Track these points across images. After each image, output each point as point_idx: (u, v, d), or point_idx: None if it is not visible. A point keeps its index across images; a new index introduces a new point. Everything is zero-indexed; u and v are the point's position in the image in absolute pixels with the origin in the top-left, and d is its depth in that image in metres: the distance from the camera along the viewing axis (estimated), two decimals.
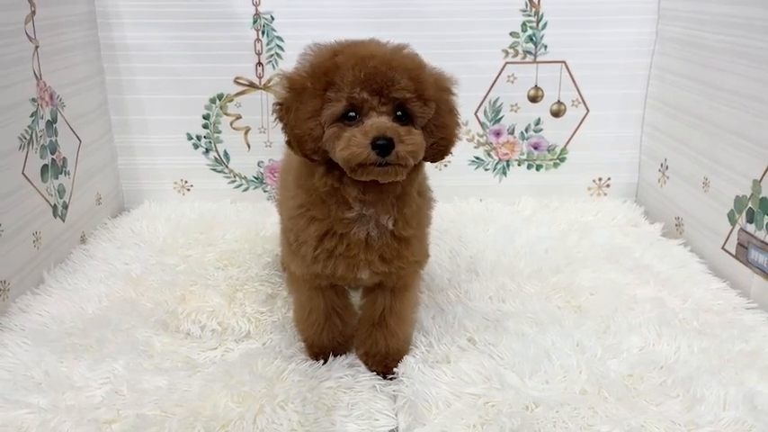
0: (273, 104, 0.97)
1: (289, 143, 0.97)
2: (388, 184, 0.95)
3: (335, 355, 1.11)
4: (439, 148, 0.98)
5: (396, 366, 1.09)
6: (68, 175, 1.51)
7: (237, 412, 0.96)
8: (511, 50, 1.74)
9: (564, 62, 1.75)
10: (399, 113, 0.92)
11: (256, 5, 1.68)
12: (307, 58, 0.96)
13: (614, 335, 1.16)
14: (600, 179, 1.85)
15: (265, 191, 1.85)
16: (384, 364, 1.10)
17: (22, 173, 1.30)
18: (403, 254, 1.02)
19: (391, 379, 1.07)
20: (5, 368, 1.06)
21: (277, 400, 0.98)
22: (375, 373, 1.09)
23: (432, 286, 1.35)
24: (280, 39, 1.71)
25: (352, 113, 0.91)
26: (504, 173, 1.85)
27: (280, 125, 0.97)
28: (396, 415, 0.99)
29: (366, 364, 1.11)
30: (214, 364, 1.10)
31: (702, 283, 1.37)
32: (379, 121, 0.90)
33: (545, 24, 1.71)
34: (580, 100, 1.78)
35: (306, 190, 1.01)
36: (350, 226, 0.99)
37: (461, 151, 1.82)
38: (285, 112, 0.95)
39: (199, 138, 1.80)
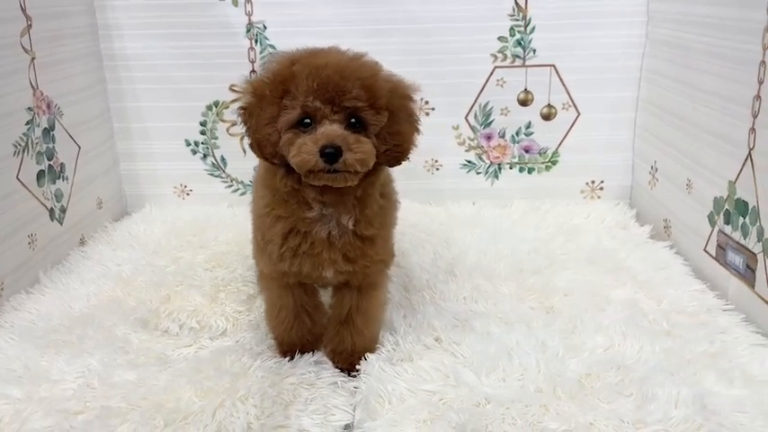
0: (237, 109, 1.02)
1: (251, 146, 1.01)
2: (346, 186, 0.98)
3: (303, 353, 1.14)
4: (394, 155, 1.00)
5: (358, 364, 1.11)
6: (66, 180, 1.57)
7: (199, 405, 1.00)
8: (500, 55, 1.75)
9: (553, 65, 1.76)
10: (353, 121, 0.95)
11: (249, 15, 1.73)
12: (269, 65, 1.01)
13: (580, 335, 1.17)
14: (593, 182, 1.85)
15: None
16: (349, 362, 1.12)
17: (17, 177, 1.37)
18: (367, 253, 1.05)
19: (353, 376, 1.10)
20: None
21: (238, 395, 1.01)
22: (340, 370, 1.12)
23: (409, 287, 1.37)
24: (272, 47, 1.75)
25: (306, 120, 0.95)
26: (497, 176, 1.87)
27: (244, 129, 1.01)
28: (354, 411, 1.02)
29: (333, 361, 1.14)
30: (186, 360, 1.14)
31: (681, 284, 1.36)
32: (330, 129, 0.94)
33: (533, 28, 1.73)
34: (570, 103, 1.78)
35: (271, 190, 1.05)
36: (312, 225, 1.03)
37: (453, 155, 1.85)
38: (248, 116, 1.00)
39: (197, 144, 1.86)
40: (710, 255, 1.38)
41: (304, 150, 0.93)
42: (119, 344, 1.18)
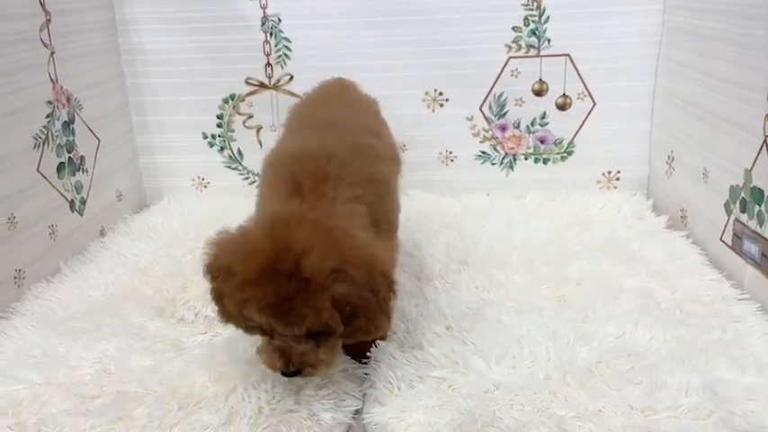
0: (204, 266, 0.96)
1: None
2: None
3: None
4: (366, 336, 0.97)
5: (369, 350, 1.12)
6: (86, 172, 1.61)
7: (212, 390, 1.02)
8: (514, 45, 1.75)
9: (568, 55, 1.75)
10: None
11: (264, 8, 1.75)
12: (225, 246, 0.95)
13: (591, 323, 1.16)
14: (609, 172, 1.84)
15: None
16: (359, 349, 1.13)
17: (38, 170, 1.40)
18: None
19: (364, 363, 1.11)
20: (12, 348, 1.15)
21: (250, 380, 1.03)
22: (351, 356, 1.13)
23: (421, 277, 1.38)
24: (287, 39, 1.77)
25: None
26: (512, 167, 1.86)
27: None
28: (361, 395, 1.03)
29: (343, 347, 1.15)
30: (200, 347, 1.16)
31: (697, 274, 1.35)
32: (287, 348, 0.91)
33: (547, 18, 1.72)
34: (586, 93, 1.77)
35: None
36: None
37: (467, 146, 1.85)
38: (212, 281, 0.96)
39: (214, 137, 1.88)
40: (726, 244, 1.37)
41: (266, 361, 0.94)
42: (135, 331, 1.20)
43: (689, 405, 0.93)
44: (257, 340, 1.14)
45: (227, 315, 0.96)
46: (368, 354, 1.12)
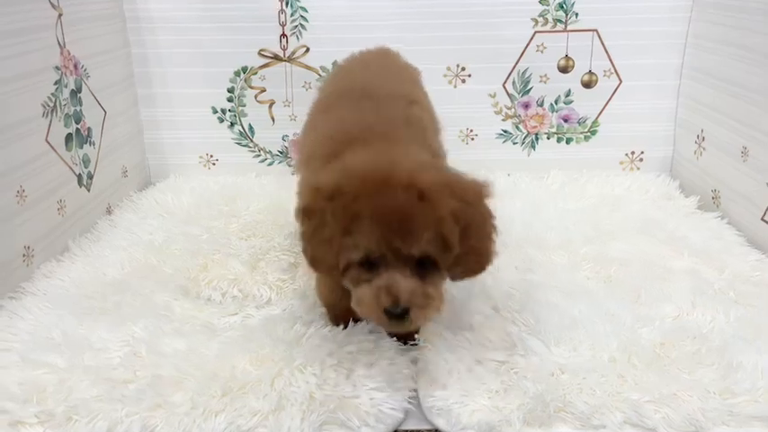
0: (297, 210, 0.91)
1: (304, 252, 0.92)
2: None
3: (356, 321, 1.09)
4: (471, 272, 0.92)
5: (417, 332, 1.06)
6: (93, 145, 1.51)
7: (255, 374, 0.94)
8: (540, 19, 1.69)
9: (596, 30, 1.69)
10: (422, 260, 0.85)
11: None
12: (333, 175, 0.88)
13: (646, 304, 1.12)
14: (633, 153, 1.80)
15: (289, 165, 1.84)
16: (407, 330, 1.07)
17: (46, 140, 1.30)
18: None
19: (413, 344, 1.04)
20: (26, 330, 1.06)
21: (295, 363, 0.96)
22: (396, 338, 1.06)
23: None
24: (303, 9, 1.68)
25: (370, 261, 0.86)
26: (533, 146, 1.81)
27: (300, 229, 0.91)
28: (415, 379, 0.97)
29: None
30: (233, 329, 1.08)
31: (740, 254, 1.31)
32: (394, 282, 0.83)
33: None
34: (612, 70, 1.72)
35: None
36: None
37: (489, 124, 1.79)
38: (307, 221, 0.89)
39: (224, 111, 1.79)
40: None
41: (365, 305, 0.86)
42: (161, 312, 1.12)
43: (766, 387, 0.88)
44: (296, 321, 1.08)
45: (322, 253, 0.87)
46: (415, 336, 1.05)
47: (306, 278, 1.25)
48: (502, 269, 1.26)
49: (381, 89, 1.15)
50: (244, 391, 0.91)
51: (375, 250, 0.84)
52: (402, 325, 0.85)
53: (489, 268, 1.23)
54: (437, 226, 0.83)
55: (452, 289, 1.17)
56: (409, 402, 0.93)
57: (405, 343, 1.05)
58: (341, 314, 1.09)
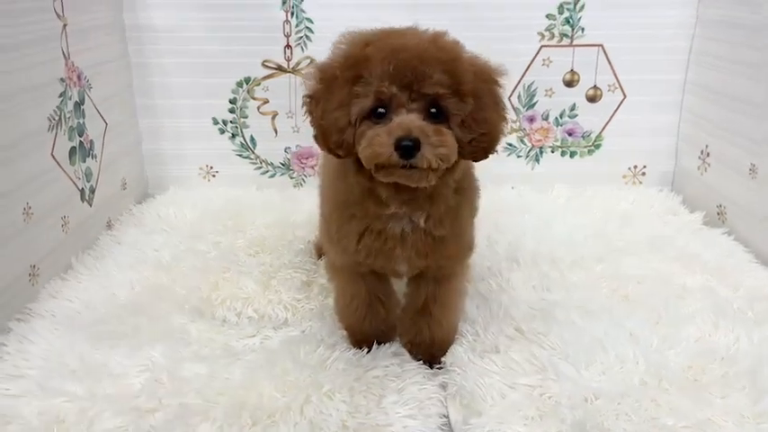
0: (303, 96, 0.92)
1: (315, 137, 0.91)
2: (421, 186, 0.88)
3: (379, 344, 1.07)
4: (480, 146, 0.88)
5: (442, 355, 1.05)
6: (95, 158, 1.47)
7: (283, 402, 0.92)
8: (547, 33, 1.68)
9: (601, 45, 1.69)
10: (433, 110, 0.85)
11: None
12: (339, 47, 0.90)
13: (668, 325, 1.11)
14: (635, 167, 1.80)
15: (292, 177, 1.81)
16: (429, 353, 1.06)
17: (51, 154, 1.26)
18: (437, 249, 0.97)
19: (438, 368, 1.03)
20: (39, 356, 1.02)
21: (323, 390, 0.94)
22: (420, 362, 1.04)
23: (473, 275, 1.30)
24: (309, 20, 1.66)
25: (381, 110, 0.85)
26: (537, 160, 1.81)
27: (308, 118, 0.91)
28: (446, 404, 0.95)
29: (410, 353, 1.06)
30: (254, 351, 1.06)
31: (752, 272, 1.32)
32: (407, 119, 0.83)
33: (582, 6, 1.66)
34: (617, 85, 1.73)
35: (346, 186, 0.96)
36: (386, 222, 0.95)
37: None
38: (314, 104, 0.90)
39: (225, 122, 1.75)
40: None
41: (376, 142, 0.83)
42: (178, 334, 1.09)
43: None
44: (318, 344, 1.06)
45: (333, 119, 0.87)
46: (441, 359, 1.04)
47: (321, 297, 1.23)
48: (518, 288, 1.25)
49: None
50: (273, 420, 0.89)
51: (386, 90, 0.84)
52: (414, 165, 0.83)
53: (504, 285, 1.25)
54: (451, 67, 0.84)
55: (472, 310, 1.16)
56: (441, 429, 0.91)
57: (431, 366, 1.04)
58: (362, 337, 1.08)
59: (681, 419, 0.88)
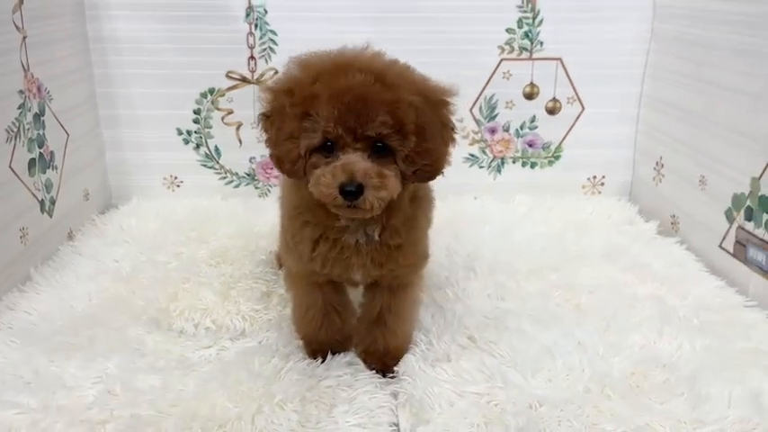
0: (258, 115, 0.95)
1: (270, 157, 0.95)
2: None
3: (334, 353, 1.09)
4: (424, 175, 0.92)
5: (395, 364, 1.07)
6: (56, 169, 1.47)
7: (235, 412, 0.93)
8: (507, 47, 1.72)
9: (560, 59, 1.74)
10: (379, 144, 0.88)
11: None
12: (290, 71, 0.93)
13: (615, 333, 1.15)
14: (594, 177, 1.85)
15: (257, 187, 1.82)
16: (383, 362, 1.07)
17: (9, 166, 1.26)
18: (393, 258, 1.00)
19: (391, 377, 1.05)
20: None
21: (275, 400, 0.96)
22: (374, 371, 1.06)
23: (429, 284, 1.32)
24: (273, 32, 1.68)
25: (329, 143, 0.89)
26: (499, 170, 1.84)
27: (264, 136, 0.95)
28: (396, 412, 0.97)
29: (365, 362, 1.08)
30: (209, 362, 1.07)
31: (700, 281, 1.36)
32: (351, 161, 0.86)
33: (541, 21, 1.70)
34: (576, 97, 1.77)
35: (300, 195, 0.98)
36: (340, 233, 0.98)
37: (456, 149, 1.80)
38: (269, 125, 0.93)
39: (189, 133, 1.77)
40: (727, 251, 1.38)
41: (322, 183, 0.87)
42: (134, 346, 1.10)
43: (735, 417, 0.92)
44: (273, 355, 1.07)
45: (286, 148, 0.90)
46: (394, 369, 1.06)
47: (280, 308, 1.25)
48: (474, 297, 1.28)
49: None
50: (224, 430, 0.90)
51: (332, 131, 0.86)
52: (356, 206, 0.87)
53: (460, 294, 1.27)
54: (393, 108, 0.85)
55: (426, 320, 1.18)
56: None
57: (384, 375, 1.06)
58: (318, 347, 1.09)
59: (620, 425, 0.91)
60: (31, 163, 1.34)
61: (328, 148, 0.89)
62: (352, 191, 0.85)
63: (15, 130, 1.28)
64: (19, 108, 1.30)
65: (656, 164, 1.70)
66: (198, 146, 1.78)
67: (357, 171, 0.86)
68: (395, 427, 0.95)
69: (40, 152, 1.39)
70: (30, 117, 1.34)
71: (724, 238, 1.39)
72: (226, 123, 1.76)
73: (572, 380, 1.01)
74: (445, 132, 0.93)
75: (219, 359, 1.08)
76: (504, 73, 1.74)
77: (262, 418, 0.92)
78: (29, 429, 0.89)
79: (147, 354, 1.08)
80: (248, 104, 1.74)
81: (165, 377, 1.01)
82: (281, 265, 1.38)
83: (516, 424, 0.90)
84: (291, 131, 0.89)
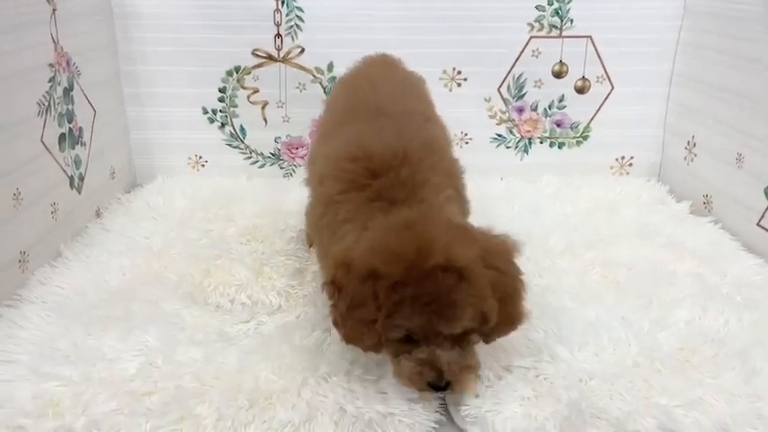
0: (324, 283, 0.89)
1: (335, 324, 0.90)
2: None
3: None
4: (503, 334, 0.91)
5: None
6: (84, 146, 1.45)
7: (280, 384, 0.92)
8: (536, 24, 1.69)
9: (590, 37, 1.71)
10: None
11: None
12: (367, 249, 0.85)
13: (659, 309, 1.13)
14: (623, 158, 1.82)
15: (282, 167, 1.80)
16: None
17: (41, 140, 1.24)
18: None
19: None
20: (29, 340, 1.01)
21: (320, 372, 0.94)
22: None
23: None
24: (300, 9, 1.65)
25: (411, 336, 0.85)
26: (526, 151, 1.82)
27: (329, 301, 0.89)
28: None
29: None
30: (248, 336, 1.06)
31: (737, 259, 1.34)
32: (436, 358, 0.84)
33: None
34: (605, 76, 1.74)
35: None
36: None
37: (483, 128, 1.79)
38: (338, 301, 0.86)
39: (214, 112, 1.75)
40: (765, 229, 1.36)
41: (407, 378, 0.86)
42: (171, 319, 1.08)
43: None
44: (313, 329, 1.06)
45: (360, 333, 0.85)
46: None
47: (314, 284, 1.23)
48: None
49: (395, 107, 1.14)
50: (270, 402, 0.89)
51: (418, 333, 0.84)
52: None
53: None
54: (478, 305, 0.82)
55: None
56: (438, 411, 0.92)
57: None
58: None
59: (673, 399, 0.89)
60: (62, 138, 1.33)
61: (410, 339, 0.85)
62: (439, 386, 0.85)
63: (46, 104, 1.26)
64: (50, 81, 1.28)
65: (688, 143, 1.67)
66: (223, 125, 1.76)
67: (445, 369, 0.84)
68: (443, 401, 0.93)
69: (70, 127, 1.37)
70: (60, 91, 1.33)
71: (763, 216, 1.37)
72: (251, 102, 1.74)
73: (620, 354, 0.99)
74: (521, 291, 0.89)
75: (259, 333, 1.07)
76: (533, 51, 1.71)
77: (308, 389, 0.91)
78: (71, 401, 0.87)
79: (186, 327, 1.07)
80: (274, 83, 1.72)
81: (205, 350, 0.99)
82: (311, 244, 1.36)
83: (568, 398, 0.89)
84: (372, 321, 0.84)
